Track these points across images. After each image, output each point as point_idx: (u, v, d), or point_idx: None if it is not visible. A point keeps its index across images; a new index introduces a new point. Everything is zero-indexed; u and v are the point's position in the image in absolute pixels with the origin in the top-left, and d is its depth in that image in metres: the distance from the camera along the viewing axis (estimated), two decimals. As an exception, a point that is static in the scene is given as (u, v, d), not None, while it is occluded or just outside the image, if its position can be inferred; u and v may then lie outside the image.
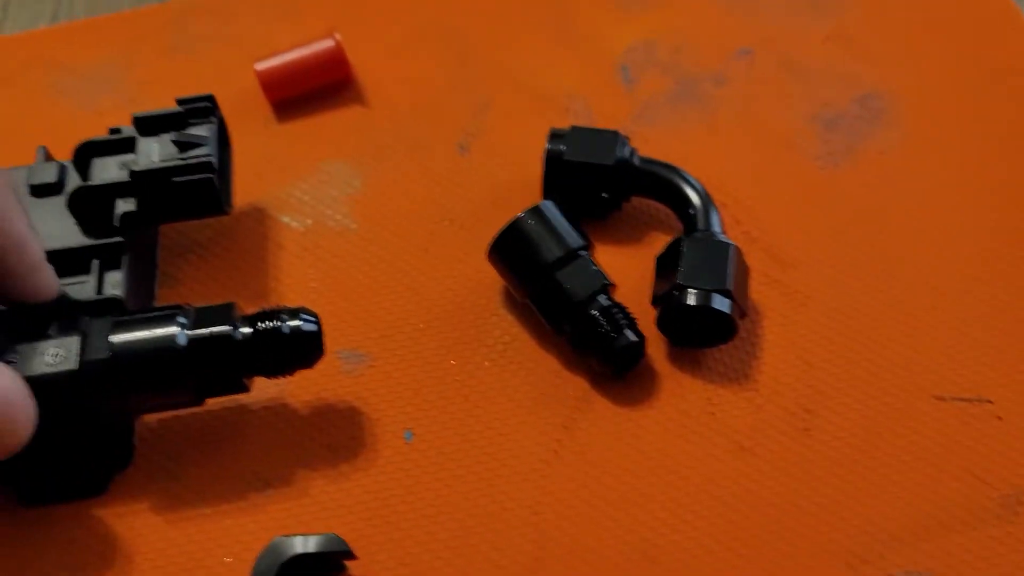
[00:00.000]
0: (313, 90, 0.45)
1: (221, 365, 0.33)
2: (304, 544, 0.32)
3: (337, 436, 0.36)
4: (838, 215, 0.41)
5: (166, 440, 0.36)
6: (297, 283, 0.40)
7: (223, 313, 0.33)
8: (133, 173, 0.36)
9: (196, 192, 0.37)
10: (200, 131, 0.37)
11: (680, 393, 0.37)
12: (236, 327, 0.33)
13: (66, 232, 0.36)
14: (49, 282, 0.31)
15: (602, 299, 0.36)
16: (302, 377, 0.37)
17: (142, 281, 0.39)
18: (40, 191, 0.37)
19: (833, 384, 0.37)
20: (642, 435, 0.36)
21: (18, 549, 0.34)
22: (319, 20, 0.47)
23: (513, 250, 0.37)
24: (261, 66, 0.44)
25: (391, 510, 0.35)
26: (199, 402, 0.34)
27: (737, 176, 0.42)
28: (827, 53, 0.46)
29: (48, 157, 0.39)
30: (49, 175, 0.37)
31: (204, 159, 0.37)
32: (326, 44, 0.44)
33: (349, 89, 0.45)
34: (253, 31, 0.46)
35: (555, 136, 0.40)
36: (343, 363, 0.38)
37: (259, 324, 0.33)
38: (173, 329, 0.32)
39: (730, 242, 0.37)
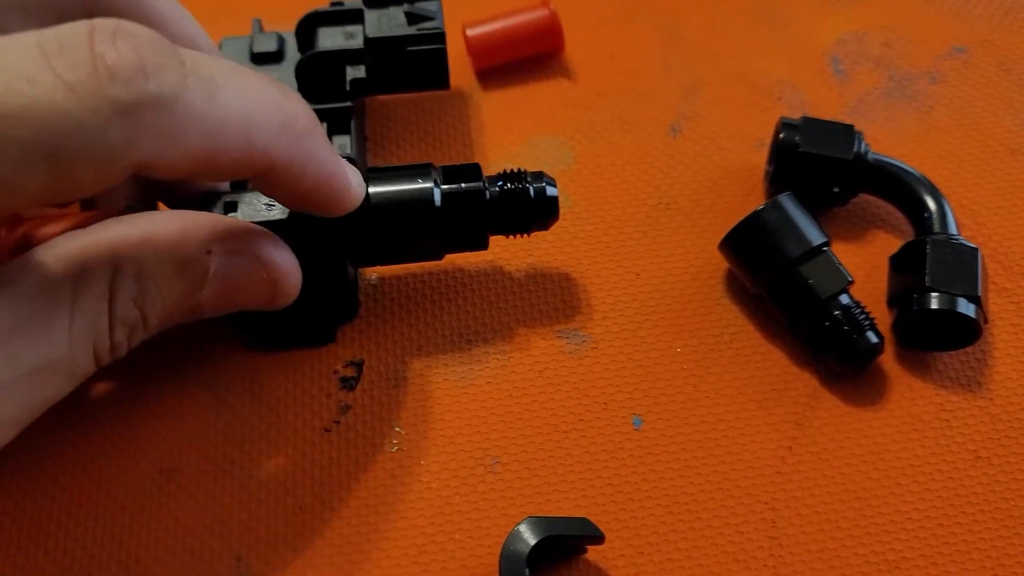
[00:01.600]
0: (520, 60, 0.43)
1: (469, 221, 0.34)
2: (556, 526, 0.31)
3: (565, 417, 0.36)
4: (1067, 226, 0.40)
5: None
6: (513, 256, 0.39)
7: (472, 171, 0.34)
8: (368, 40, 0.38)
9: (426, 63, 0.38)
10: (430, 5, 0.39)
11: (911, 397, 0.36)
12: (485, 185, 0.33)
13: None
14: (356, 196, 0.31)
15: (844, 298, 0.35)
16: (525, 354, 0.37)
17: (358, 148, 0.40)
18: (261, 59, 0.39)
19: (1070, 399, 0.36)
20: (876, 437, 0.35)
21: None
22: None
23: (752, 242, 0.36)
24: (473, 32, 0.43)
25: (626, 497, 0.34)
26: (440, 256, 0.35)
27: (957, 179, 0.41)
28: (1046, 58, 0.44)
29: (261, 29, 0.40)
30: (270, 44, 0.39)
31: (436, 31, 0.38)
32: (540, 13, 0.43)
33: (555, 61, 0.44)
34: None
35: (787, 126, 0.39)
36: (566, 343, 0.37)
37: (505, 184, 0.34)
38: (428, 183, 0.33)
39: (975, 246, 0.36)
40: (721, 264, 0.39)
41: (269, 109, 0.26)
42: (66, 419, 0.35)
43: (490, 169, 0.41)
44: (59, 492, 0.34)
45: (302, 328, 0.36)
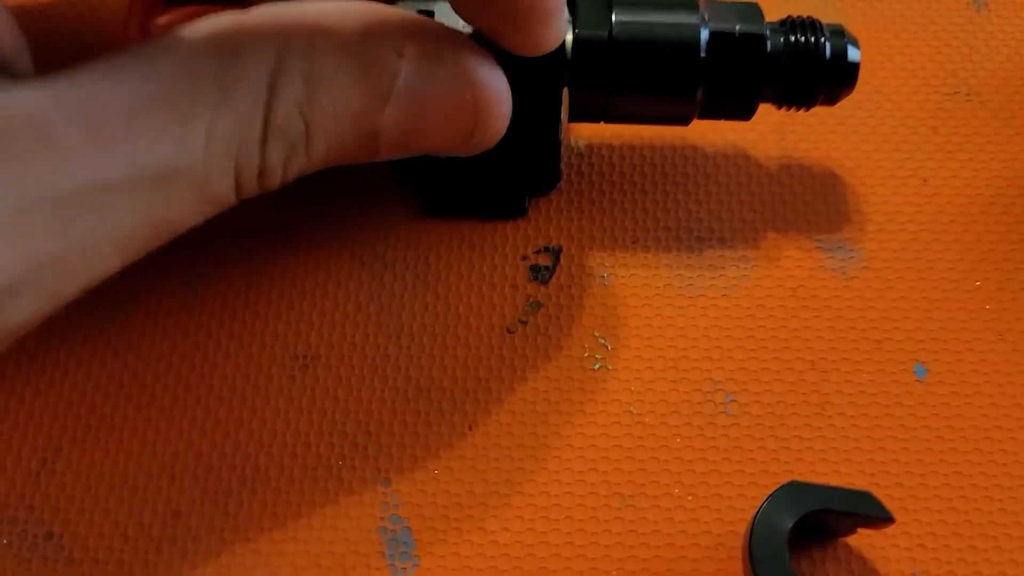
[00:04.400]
0: None
1: (741, 77, 0.25)
2: (829, 498, 0.23)
3: (825, 353, 0.27)
4: None
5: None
6: (764, 138, 0.30)
7: (751, 11, 0.25)
8: None
9: None
10: None
11: None
12: (767, 33, 0.25)
13: None
14: (557, 33, 0.22)
15: None
16: (775, 266, 0.28)
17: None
18: None
19: None
20: None
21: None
22: None
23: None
24: None
25: (903, 468, 0.26)
26: (688, 120, 0.26)
27: None
28: None
29: None
30: None
31: None
32: None
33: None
34: None
35: None
36: (829, 258, 0.28)
37: (794, 36, 0.25)
38: (693, 19, 0.25)
39: None
40: (1043, 178, 0.29)
41: None
42: (183, 282, 0.27)
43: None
44: (166, 369, 0.26)
45: (488, 191, 0.28)
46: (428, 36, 0.22)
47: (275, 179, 0.21)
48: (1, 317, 0.18)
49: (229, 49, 0.20)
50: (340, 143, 0.21)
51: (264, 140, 0.20)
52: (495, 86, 0.22)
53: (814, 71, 0.26)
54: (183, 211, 0.20)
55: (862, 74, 0.29)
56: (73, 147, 0.18)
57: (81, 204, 0.18)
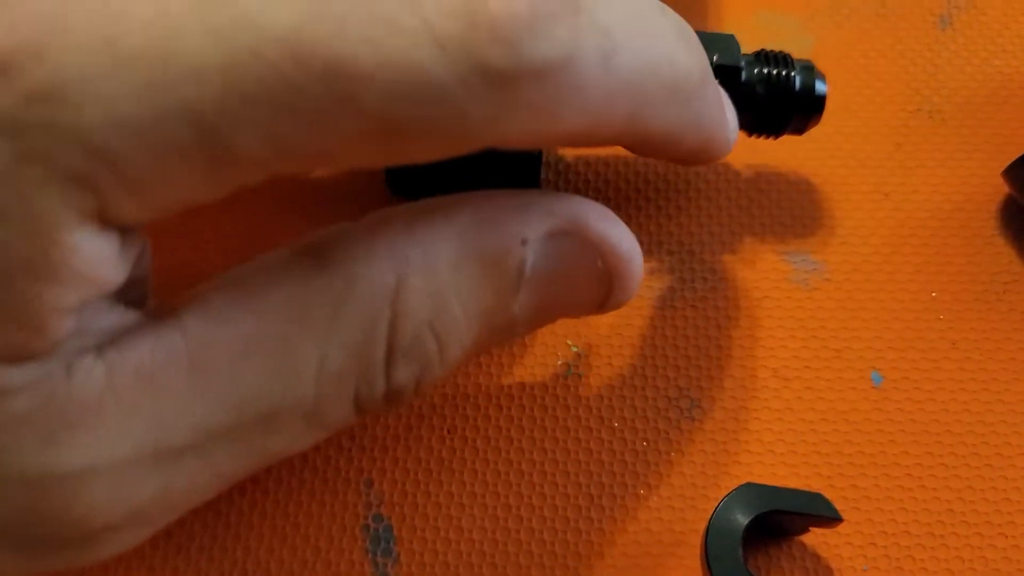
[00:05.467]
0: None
1: None
2: (782, 499, 0.24)
3: (787, 361, 0.28)
4: None
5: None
6: (734, 155, 0.31)
7: (728, 43, 0.27)
8: None
9: None
10: None
11: None
12: (742, 64, 0.27)
13: None
14: (727, 151, 0.23)
15: None
16: (741, 277, 0.29)
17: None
18: None
19: None
20: None
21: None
22: None
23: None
24: None
25: (858, 471, 0.27)
26: None
27: None
28: None
29: None
30: None
31: None
32: None
33: (797, -76, 0.36)
34: None
35: (1114, 25, 0.30)
36: (793, 269, 0.29)
37: (766, 69, 0.27)
38: None
39: None
40: (997, 192, 0.30)
41: (663, 69, 0.19)
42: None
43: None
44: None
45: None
46: (549, 214, 0.20)
47: (406, 396, 0.20)
48: (99, 550, 0.18)
49: (341, 272, 0.18)
50: (476, 344, 0.20)
51: (389, 364, 0.19)
52: (625, 249, 0.21)
53: (784, 102, 0.27)
54: (291, 442, 0.19)
55: (830, 92, 0.31)
56: (178, 396, 0.17)
57: (182, 452, 0.18)
